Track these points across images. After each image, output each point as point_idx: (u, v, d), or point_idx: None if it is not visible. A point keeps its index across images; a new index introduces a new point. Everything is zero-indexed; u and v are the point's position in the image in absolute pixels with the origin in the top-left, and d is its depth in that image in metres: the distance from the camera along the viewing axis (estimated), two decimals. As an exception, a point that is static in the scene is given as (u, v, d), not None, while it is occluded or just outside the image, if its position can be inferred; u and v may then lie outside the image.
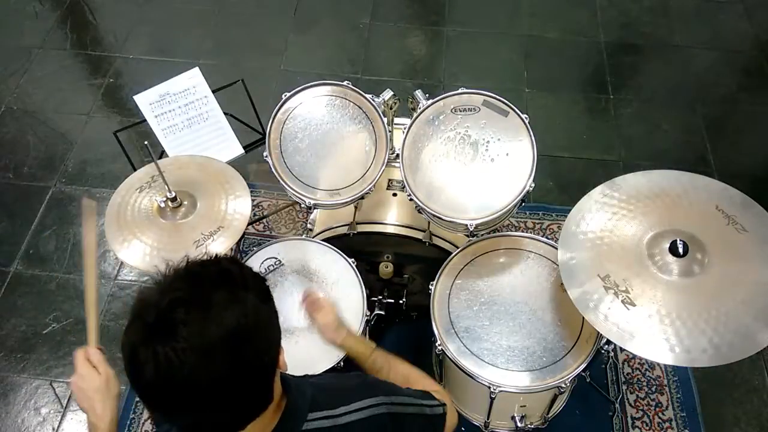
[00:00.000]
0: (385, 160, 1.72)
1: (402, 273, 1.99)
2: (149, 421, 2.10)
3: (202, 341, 0.80)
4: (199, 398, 0.81)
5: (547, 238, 1.79)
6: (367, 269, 1.94)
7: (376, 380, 1.17)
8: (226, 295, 0.84)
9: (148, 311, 0.81)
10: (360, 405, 1.01)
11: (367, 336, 1.80)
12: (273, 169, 1.75)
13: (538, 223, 2.55)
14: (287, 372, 0.98)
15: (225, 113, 1.99)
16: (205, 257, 0.90)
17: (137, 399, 2.13)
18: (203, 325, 0.80)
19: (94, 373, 1.12)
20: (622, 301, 1.38)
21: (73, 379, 1.13)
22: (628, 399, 2.13)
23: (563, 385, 1.57)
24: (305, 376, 1.06)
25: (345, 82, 1.78)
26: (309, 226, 2.03)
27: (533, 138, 1.64)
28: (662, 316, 1.35)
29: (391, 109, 1.76)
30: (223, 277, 0.86)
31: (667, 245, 1.40)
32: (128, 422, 2.10)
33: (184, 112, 1.96)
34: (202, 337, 0.80)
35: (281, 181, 1.75)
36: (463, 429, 2.00)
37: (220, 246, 1.54)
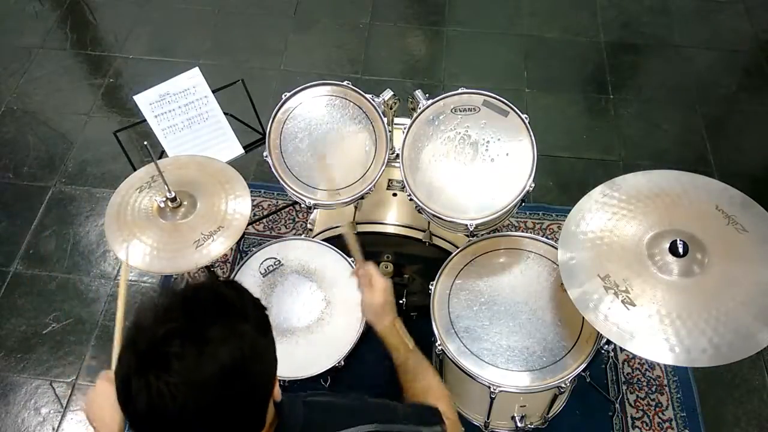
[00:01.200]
0: (385, 160, 1.72)
1: (402, 273, 1.99)
2: None
3: (196, 377, 0.78)
4: (189, 430, 0.81)
5: (547, 238, 1.79)
6: (367, 269, 1.94)
7: (375, 404, 1.14)
8: (223, 329, 0.82)
9: (141, 340, 0.81)
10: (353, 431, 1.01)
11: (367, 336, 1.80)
12: (273, 169, 1.75)
13: (538, 223, 2.55)
14: (283, 377, 0.98)
15: (225, 113, 1.99)
16: (204, 280, 0.89)
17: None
18: (198, 360, 0.79)
19: (111, 387, 1.13)
20: (622, 301, 1.38)
21: (89, 393, 1.17)
22: (628, 399, 2.13)
23: (563, 385, 1.57)
24: (299, 394, 1.05)
25: (345, 82, 1.78)
26: (309, 226, 2.03)
27: (533, 138, 1.64)
28: (662, 316, 1.35)
29: (391, 109, 1.76)
30: (220, 308, 0.85)
31: (667, 245, 1.40)
32: (128, 423, 2.09)
33: (184, 112, 1.96)
34: (196, 372, 0.79)
35: (281, 181, 1.75)
36: (463, 429, 2.00)
37: (220, 246, 1.54)
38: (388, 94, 1.74)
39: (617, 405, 2.10)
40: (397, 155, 1.75)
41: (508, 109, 1.67)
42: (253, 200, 1.78)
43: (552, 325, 1.63)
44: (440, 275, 1.73)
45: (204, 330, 0.81)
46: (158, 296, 0.85)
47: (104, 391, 1.15)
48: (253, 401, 0.87)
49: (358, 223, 1.85)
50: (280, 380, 0.98)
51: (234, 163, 1.82)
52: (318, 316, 1.66)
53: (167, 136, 1.95)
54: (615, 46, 3.18)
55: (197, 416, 0.80)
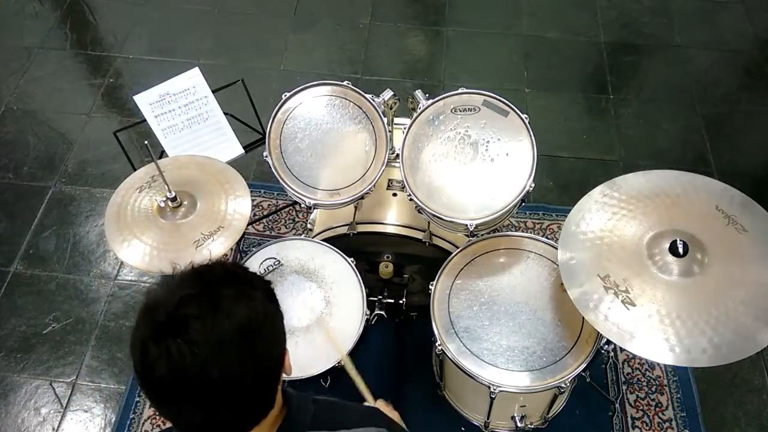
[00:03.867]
0: (385, 160, 1.72)
1: (402, 273, 1.99)
2: (149, 421, 2.10)
3: (215, 334, 0.80)
4: (210, 393, 0.81)
5: (547, 238, 1.79)
6: (367, 269, 1.94)
7: (383, 414, 1.15)
8: (235, 291, 0.84)
9: (157, 310, 0.82)
10: (361, 431, 1.01)
11: (367, 336, 1.80)
12: (273, 169, 1.75)
13: (538, 223, 2.55)
14: (289, 377, 0.98)
15: (225, 113, 1.99)
16: (208, 261, 0.90)
17: (137, 399, 2.13)
18: (215, 318, 0.80)
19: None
20: (622, 301, 1.38)
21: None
22: (628, 399, 2.13)
23: (563, 385, 1.57)
24: (309, 393, 1.05)
25: (345, 82, 1.78)
26: (309, 226, 2.03)
27: (533, 138, 1.64)
28: (662, 316, 1.35)
29: (391, 109, 1.76)
30: (229, 276, 0.87)
31: (667, 245, 1.40)
32: (128, 422, 2.10)
33: (184, 112, 1.96)
34: (215, 330, 0.80)
35: (281, 181, 1.75)
36: (463, 429, 2.00)
37: (220, 246, 1.54)
38: (388, 94, 1.74)
39: (617, 405, 2.10)
40: (397, 155, 1.75)
41: (508, 109, 1.67)
42: (253, 200, 1.78)
43: (552, 325, 1.63)
44: (440, 275, 1.73)
45: (218, 292, 0.83)
46: (166, 275, 0.87)
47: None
48: (269, 364, 0.88)
49: (358, 223, 1.85)
50: (288, 388, 0.99)
51: (234, 163, 1.82)
52: (318, 316, 1.67)
53: (167, 136, 1.95)
54: (615, 46, 3.18)
55: (217, 377, 0.80)
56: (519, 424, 1.79)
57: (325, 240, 1.83)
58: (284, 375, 0.93)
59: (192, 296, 0.82)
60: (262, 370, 0.86)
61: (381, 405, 1.41)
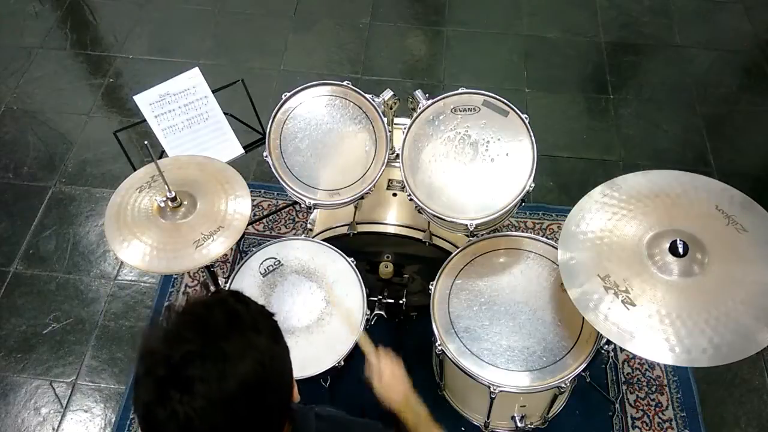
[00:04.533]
0: (385, 160, 1.72)
1: (402, 273, 1.99)
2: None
3: (220, 395, 0.79)
4: None
5: (547, 238, 1.79)
6: (367, 269, 1.94)
7: (384, 428, 1.15)
8: (239, 344, 0.82)
9: (157, 366, 0.80)
10: None
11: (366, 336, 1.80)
12: (273, 169, 1.75)
13: (538, 223, 2.55)
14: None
15: (225, 113, 1.99)
16: (207, 296, 0.88)
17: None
18: (221, 378, 0.79)
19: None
20: (622, 301, 1.38)
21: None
22: (628, 399, 2.13)
23: (563, 385, 1.57)
24: (310, 406, 1.05)
25: (345, 82, 1.78)
26: (309, 226, 2.03)
27: (533, 138, 1.64)
28: (662, 316, 1.35)
29: (391, 109, 1.76)
30: (232, 324, 0.84)
31: (667, 245, 1.40)
32: (128, 422, 2.10)
33: (184, 112, 1.96)
34: (220, 391, 0.79)
35: (281, 181, 1.75)
36: (463, 429, 2.00)
37: (220, 246, 1.54)
38: (388, 94, 1.74)
39: (617, 405, 2.10)
40: (397, 155, 1.75)
41: (508, 109, 1.67)
42: (253, 200, 1.78)
43: (552, 325, 1.63)
44: (440, 275, 1.73)
45: (221, 347, 0.81)
46: (163, 319, 0.84)
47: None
48: (277, 407, 0.88)
49: (358, 223, 1.85)
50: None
51: (234, 163, 1.82)
52: (318, 316, 1.67)
53: (167, 136, 1.95)
54: (615, 46, 3.18)
55: (229, 430, 0.80)
56: (519, 424, 1.79)
57: (325, 240, 1.83)
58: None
59: (194, 353, 0.79)
60: (271, 412, 0.86)
61: (382, 354, 1.38)
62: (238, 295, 0.91)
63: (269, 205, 2.61)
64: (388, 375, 1.33)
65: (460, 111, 1.68)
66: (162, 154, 1.96)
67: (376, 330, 1.97)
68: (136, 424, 2.10)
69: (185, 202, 1.61)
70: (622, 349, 2.19)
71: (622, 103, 2.95)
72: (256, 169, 2.68)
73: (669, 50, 3.17)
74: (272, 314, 0.91)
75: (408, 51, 3.19)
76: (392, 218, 1.88)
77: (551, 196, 2.63)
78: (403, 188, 1.67)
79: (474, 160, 1.65)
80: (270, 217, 2.56)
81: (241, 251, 2.42)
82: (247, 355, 0.82)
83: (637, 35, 3.23)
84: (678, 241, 1.39)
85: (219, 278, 1.87)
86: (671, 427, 2.08)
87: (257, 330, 0.86)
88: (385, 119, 1.74)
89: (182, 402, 0.77)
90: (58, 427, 2.12)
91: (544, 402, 1.81)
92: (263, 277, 1.74)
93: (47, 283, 2.43)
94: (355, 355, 1.61)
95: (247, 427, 0.82)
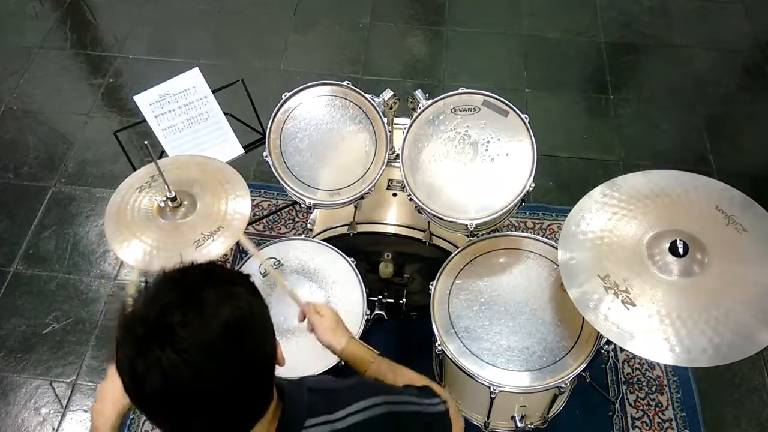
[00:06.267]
0: (385, 160, 1.72)
1: (402, 273, 1.99)
2: (150, 421, 2.10)
3: (204, 338, 0.78)
4: (207, 400, 0.80)
5: (547, 238, 1.79)
6: (367, 269, 1.94)
7: (375, 382, 1.16)
8: (216, 291, 0.82)
9: (136, 325, 0.79)
10: (360, 406, 1.00)
11: (367, 336, 1.80)
12: (273, 169, 1.75)
13: (538, 223, 2.55)
14: (284, 377, 0.98)
15: (225, 113, 1.99)
16: (182, 265, 0.87)
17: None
18: (201, 321, 0.78)
19: (114, 381, 1.12)
20: (622, 301, 1.38)
21: (101, 383, 1.17)
22: (628, 399, 2.13)
23: (563, 385, 1.57)
24: (302, 378, 1.05)
25: (345, 82, 1.78)
26: (309, 226, 2.03)
27: (533, 138, 1.64)
28: (662, 316, 1.35)
29: (391, 109, 1.76)
30: (208, 277, 0.85)
31: (667, 245, 1.40)
32: (128, 422, 2.10)
33: (184, 112, 1.96)
34: (203, 333, 0.78)
35: (281, 181, 1.75)
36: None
37: (220, 246, 1.53)
38: (388, 94, 1.74)
39: (617, 405, 2.10)
40: (397, 155, 1.75)
41: (508, 109, 1.67)
42: (253, 200, 1.78)
43: (552, 325, 1.63)
44: (440, 275, 1.73)
45: (198, 296, 0.81)
46: (141, 289, 0.83)
47: (108, 386, 1.14)
48: (262, 359, 0.87)
49: (358, 223, 1.85)
50: (280, 380, 0.99)
51: (234, 163, 1.82)
52: (318, 316, 1.66)
53: (167, 136, 1.95)
54: (615, 46, 3.18)
55: (214, 381, 0.79)
56: (519, 424, 1.79)
57: (325, 240, 1.83)
58: (278, 366, 0.93)
59: (172, 304, 0.79)
60: (257, 365, 0.85)
61: (315, 304, 1.40)
62: (212, 261, 0.91)
63: (269, 205, 2.61)
64: (325, 323, 1.35)
65: (460, 111, 1.68)
66: (162, 154, 1.96)
67: (376, 330, 1.98)
68: (136, 424, 2.11)
69: (185, 202, 1.61)
70: (622, 349, 2.19)
71: (622, 103, 2.96)
72: (256, 169, 2.68)
73: (669, 50, 3.17)
74: (249, 275, 0.91)
75: (408, 51, 3.19)
76: (392, 218, 1.88)
77: (551, 196, 2.63)
78: (403, 188, 1.67)
79: (474, 160, 1.65)
80: (270, 217, 2.56)
81: (241, 251, 2.42)
82: (226, 302, 0.81)
83: (637, 35, 3.23)
84: (678, 241, 1.39)
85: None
86: (671, 427, 2.08)
87: (234, 282, 0.86)
88: (385, 119, 1.74)
89: (164, 349, 0.76)
90: (58, 427, 2.12)
91: (544, 402, 1.81)
92: (263, 277, 1.74)
93: (47, 283, 2.43)
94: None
95: (234, 378, 0.81)
